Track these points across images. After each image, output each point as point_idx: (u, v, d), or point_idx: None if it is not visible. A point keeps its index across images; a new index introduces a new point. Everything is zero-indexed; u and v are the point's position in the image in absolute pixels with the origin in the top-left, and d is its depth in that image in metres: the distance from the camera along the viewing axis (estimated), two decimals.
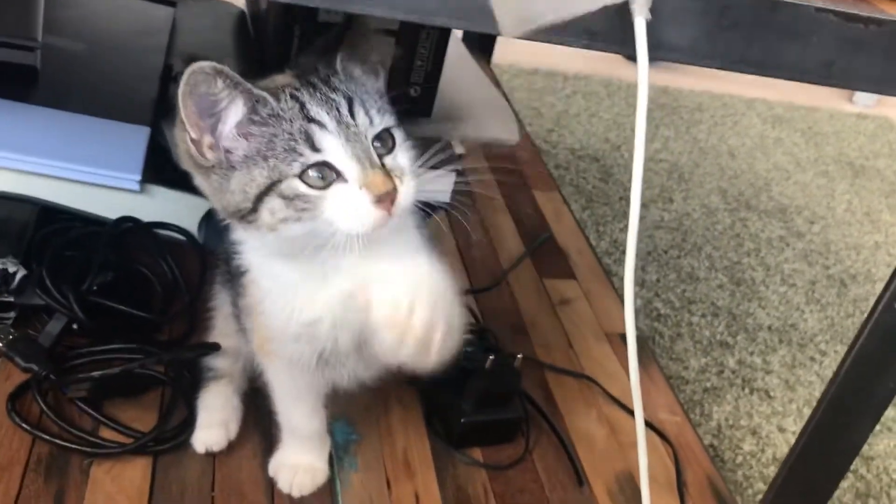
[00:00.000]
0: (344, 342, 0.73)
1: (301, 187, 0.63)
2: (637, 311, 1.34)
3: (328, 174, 0.63)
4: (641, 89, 0.53)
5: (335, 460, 0.89)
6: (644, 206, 2.02)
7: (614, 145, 2.27)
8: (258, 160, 0.63)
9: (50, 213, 1.01)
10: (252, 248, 0.73)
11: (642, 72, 0.53)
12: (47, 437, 0.83)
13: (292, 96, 0.65)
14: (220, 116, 0.63)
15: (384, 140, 0.66)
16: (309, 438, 0.86)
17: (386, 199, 0.63)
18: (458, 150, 1.39)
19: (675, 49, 0.55)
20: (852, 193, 2.35)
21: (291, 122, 0.63)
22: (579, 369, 1.11)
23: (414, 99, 1.30)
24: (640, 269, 1.78)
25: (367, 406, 0.95)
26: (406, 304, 0.63)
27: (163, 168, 1.05)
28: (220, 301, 0.94)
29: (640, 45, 0.52)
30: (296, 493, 0.84)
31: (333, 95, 0.65)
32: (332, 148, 0.63)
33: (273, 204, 0.63)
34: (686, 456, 1.03)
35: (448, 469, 0.92)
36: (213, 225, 1.03)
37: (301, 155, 0.63)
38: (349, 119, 0.64)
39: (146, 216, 1.04)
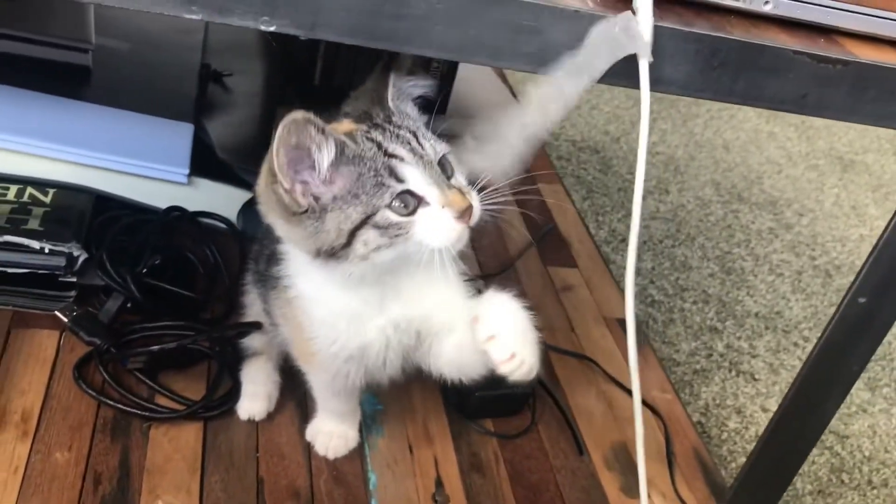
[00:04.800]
0: (392, 362, 0.84)
1: (392, 216, 0.71)
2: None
3: (410, 201, 0.72)
4: (643, 119, 0.64)
5: (364, 427, 1.00)
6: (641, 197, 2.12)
7: (614, 137, 2.37)
8: (349, 199, 0.71)
9: (105, 202, 1.11)
10: (308, 278, 0.81)
11: (645, 103, 0.63)
12: (111, 403, 0.94)
13: (367, 138, 0.73)
14: (312, 163, 0.70)
15: (444, 165, 0.75)
16: (343, 413, 0.97)
17: (465, 214, 0.73)
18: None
19: (673, 83, 0.66)
20: (841, 187, 2.45)
21: (374, 160, 0.72)
22: (580, 351, 1.22)
23: (430, 99, 1.41)
24: (637, 257, 1.89)
25: (390, 381, 1.05)
26: (519, 353, 0.73)
27: (206, 161, 1.16)
28: (251, 298, 1.02)
29: (644, 82, 0.63)
30: (331, 456, 0.95)
31: (401, 132, 0.74)
32: (413, 177, 0.72)
33: (367, 235, 0.72)
34: (675, 430, 1.14)
35: (463, 437, 1.03)
36: (250, 214, 1.13)
37: (389, 187, 0.71)
38: (421, 150, 0.74)
39: (191, 206, 1.15)
